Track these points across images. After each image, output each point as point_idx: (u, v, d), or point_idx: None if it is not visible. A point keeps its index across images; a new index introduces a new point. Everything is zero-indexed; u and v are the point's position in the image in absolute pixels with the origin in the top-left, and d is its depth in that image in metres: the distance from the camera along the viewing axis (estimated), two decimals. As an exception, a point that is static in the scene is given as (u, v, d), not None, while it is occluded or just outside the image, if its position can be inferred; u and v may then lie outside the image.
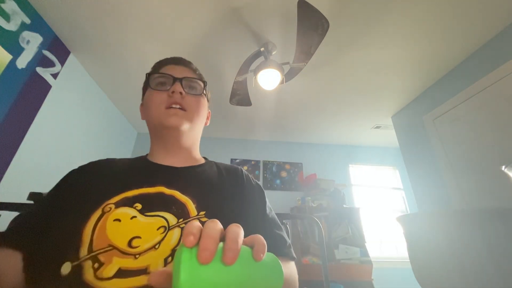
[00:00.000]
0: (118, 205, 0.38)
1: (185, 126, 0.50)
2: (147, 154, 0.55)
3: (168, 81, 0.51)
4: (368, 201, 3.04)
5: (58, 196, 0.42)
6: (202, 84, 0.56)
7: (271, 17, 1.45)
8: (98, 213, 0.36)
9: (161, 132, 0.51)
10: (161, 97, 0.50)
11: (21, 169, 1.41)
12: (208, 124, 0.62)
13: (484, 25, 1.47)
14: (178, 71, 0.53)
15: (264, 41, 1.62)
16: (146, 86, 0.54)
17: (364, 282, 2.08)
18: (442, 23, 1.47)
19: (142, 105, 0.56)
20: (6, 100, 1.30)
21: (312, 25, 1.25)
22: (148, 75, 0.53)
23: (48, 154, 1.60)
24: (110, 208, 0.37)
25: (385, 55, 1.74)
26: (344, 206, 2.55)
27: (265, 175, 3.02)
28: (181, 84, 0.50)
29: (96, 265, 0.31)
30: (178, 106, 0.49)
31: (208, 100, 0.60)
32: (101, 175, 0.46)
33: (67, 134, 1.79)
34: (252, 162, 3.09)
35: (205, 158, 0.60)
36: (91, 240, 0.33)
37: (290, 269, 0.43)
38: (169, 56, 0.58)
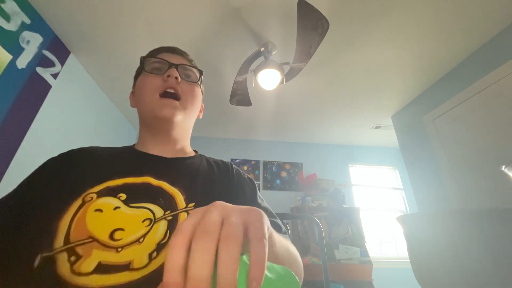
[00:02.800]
0: (100, 194, 0.35)
1: (179, 117, 0.48)
2: (134, 144, 0.53)
3: (164, 67, 0.49)
4: (368, 201, 3.04)
5: (34, 185, 0.39)
6: (197, 73, 0.54)
7: (271, 17, 1.45)
8: (78, 202, 0.34)
9: (153, 122, 0.48)
10: (156, 82, 0.47)
11: (21, 169, 1.40)
12: (200, 117, 0.60)
13: (484, 25, 1.48)
14: (174, 58, 0.51)
15: (264, 41, 1.62)
16: (139, 72, 0.52)
17: (364, 282, 2.08)
18: (442, 23, 1.47)
19: (132, 92, 0.54)
20: (6, 100, 1.30)
21: (312, 25, 1.25)
22: (143, 59, 0.51)
23: (48, 154, 1.59)
24: (92, 197, 0.35)
25: (385, 55, 1.74)
26: (344, 206, 2.55)
27: (265, 175, 3.02)
28: (177, 70, 0.49)
29: (72, 258, 0.28)
30: (172, 91, 0.47)
31: (202, 92, 0.58)
32: (83, 163, 0.43)
33: (67, 134, 1.79)
34: (252, 162, 3.09)
35: (195, 151, 0.58)
36: (68, 231, 0.30)
37: (288, 242, 0.39)
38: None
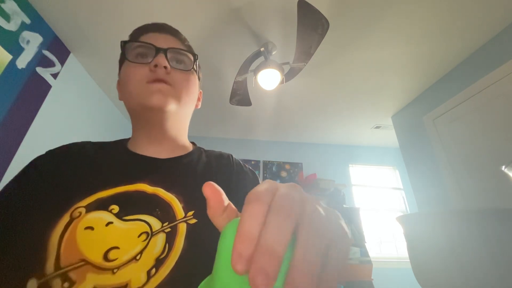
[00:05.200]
0: (89, 208, 0.32)
1: (171, 106, 0.41)
2: (128, 140, 0.47)
3: (150, 52, 0.41)
4: (368, 201, 3.04)
5: (19, 192, 0.35)
6: (192, 58, 0.46)
7: (271, 17, 1.45)
8: (65, 219, 0.30)
9: (142, 114, 0.42)
10: (141, 72, 0.40)
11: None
12: (199, 107, 0.53)
13: (484, 25, 1.47)
14: (162, 40, 0.43)
15: (264, 41, 1.62)
16: (122, 59, 0.44)
17: (364, 282, 2.08)
18: (442, 23, 1.47)
19: (119, 82, 0.47)
20: (6, 100, 1.30)
21: (312, 25, 1.25)
22: (124, 44, 0.43)
23: (48, 154, 1.60)
24: (80, 212, 0.31)
25: (385, 55, 1.74)
26: (344, 206, 2.55)
27: (265, 175, 3.02)
28: (166, 56, 0.41)
29: (66, 284, 0.26)
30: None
31: (199, 79, 0.51)
32: (72, 166, 0.38)
33: (67, 134, 1.79)
34: (252, 162, 3.09)
35: (193, 143, 0.53)
36: (58, 254, 0.28)
37: None
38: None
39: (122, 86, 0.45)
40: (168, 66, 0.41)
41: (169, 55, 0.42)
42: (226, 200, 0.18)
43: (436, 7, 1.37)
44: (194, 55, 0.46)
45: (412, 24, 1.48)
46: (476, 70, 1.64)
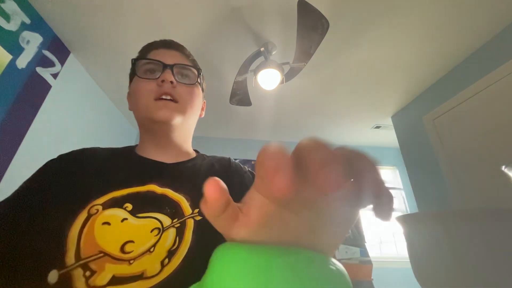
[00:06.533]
0: (105, 206, 0.35)
1: (177, 120, 0.45)
2: (136, 145, 0.52)
3: (157, 68, 0.46)
4: (368, 201, 3.04)
5: (33, 192, 0.37)
6: (196, 72, 0.50)
7: (271, 17, 1.45)
8: (83, 215, 0.33)
9: (151, 125, 0.46)
10: (150, 87, 0.45)
11: (21, 169, 1.40)
12: (203, 116, 0.57)
13: (484, 25, 1.47)
14: (169, 57, 0.48)
15: (264, 41, 1.62)
16: (133, 74, 0.49)
17: (364, 282, 2.08)
18: (442, 23, 1.47)
19: (129, 94, 0.51)
20: (6, 100, 1.30)
21: (312, 25, 1.25)
22: (134, 61, 0.47)
23: (48, 155, 1.59)
24: (97, 209, 0.34)
25: (385, 55, 1.74)
26: (344, 206, 2.54)
27: (265, 175, 3.03)
28: (172, 72, 0.45)
29: (87, 273, 0.29)
30: (168, 97, 0.44)
31: (203, 90, 0.55)
32: (85, 169, 0.41)
33: (67, 134, 1.79)
34: (252, 162, 3.09)
35: (196, 151, 0.57)
36: (78, 247, 0.30)
37: None
38: None
39: (131, 99, 0.49)
40: (174, 81, 0.45)
41: (175, 71, 0.46)
42: (227, 200, 0.16)
43: (436, 7, 1.37)
44: (198, 69, 0.51)
45: (412, 24, 1.48)
46: (476, 70, 1.64)
